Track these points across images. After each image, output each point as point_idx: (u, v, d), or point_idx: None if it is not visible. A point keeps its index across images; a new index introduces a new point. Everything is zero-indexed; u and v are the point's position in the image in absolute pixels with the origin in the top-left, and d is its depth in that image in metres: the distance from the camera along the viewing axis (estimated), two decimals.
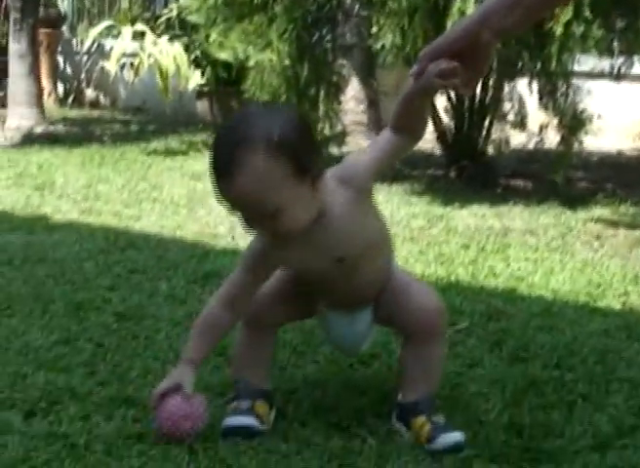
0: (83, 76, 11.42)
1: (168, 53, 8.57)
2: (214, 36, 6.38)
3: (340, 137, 6.43)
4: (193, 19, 7.35)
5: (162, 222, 4.54)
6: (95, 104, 10.97)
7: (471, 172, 5.88)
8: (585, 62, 5.84)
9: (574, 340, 2.85)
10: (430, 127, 6.23)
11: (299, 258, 2.08)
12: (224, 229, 4.36)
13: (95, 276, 3.44)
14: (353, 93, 6.86)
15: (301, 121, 2.06)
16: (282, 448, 2.05)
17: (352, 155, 2.36)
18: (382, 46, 5.21)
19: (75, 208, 4.85)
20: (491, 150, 6.09)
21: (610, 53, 5.62)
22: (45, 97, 9.27)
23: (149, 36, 9.03)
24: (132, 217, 4.63)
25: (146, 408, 2.25)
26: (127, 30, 9.26)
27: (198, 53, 8.66)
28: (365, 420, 2.21)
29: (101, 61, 10.44)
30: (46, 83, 10.04)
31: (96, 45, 10.62)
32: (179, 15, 9.20)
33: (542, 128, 5.80)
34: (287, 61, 5.87)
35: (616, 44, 5.62)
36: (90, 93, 11.27)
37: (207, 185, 5.59)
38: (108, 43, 10.27)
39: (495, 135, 6.04)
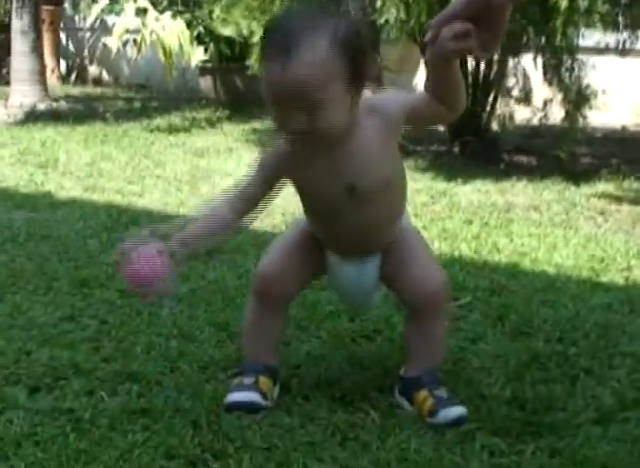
0: (86, 53, 11.39)
1: (170, 29, 8.52)
2: (217, 12, 6.36)
3: None
4: None
5: (165, 199, 4.54)
6: (97, 81, 10.95)
7: (475, 147, 5.87)
8: (590, 37, 5.81)
9: (576, 315, 2.85)
10: None
11: (312, 178, 2.05)
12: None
13: (98, 253, 3.45)
14: None
15: (365, 35, 2.02)
16: (285, 423, 2.06)
17: (388, 91, 2.29)
18: (387, 20, 5.17)
19: (78, 185, 4.86)
20: (495, 126, 6.06)
21: (615, 27, 5.58)
22: (48, 74, 9.25)
23: (152, 12, 8.98)
24: (135, 194, 4.63)
25: (150, 383, 2.27)
26: (129, 6, 9.21)
27: (201, 29, 8.62)
28: (368, 394, 2.22)
29: (104, 38, 10.41)
30: (49, 60, 10.01)
31: (98, 21, 10.58)
32: None
33: (547, 103, 5.77)
34: None
35: (621, 18, 5.58)
36: (93, 70, 11.25)
37: (210, 162, 5.65)
38: (111, 19, 10.23)
39: (499, 110, 6.01)
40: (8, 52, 8.57)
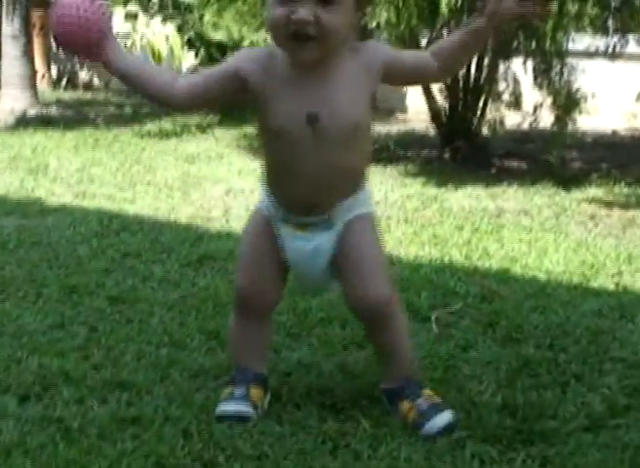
0: (76, 58, 11.37)
1: (160, 34, 8.53)
2: (207, 16, 6.36)
3: None
4: None
5: (156, 205, 4.53)
6: (88, 86, 10.94)
7: (466, 152, 5.88)
8: (580, 41, 5.83)
9: (567, 321, 2.85)
10: (425, 107, 6.22)
11: (275, 99, 2.03)
12: (218, 212, 4.36)
13: (88, 260, 3.44)
14: None
15: None
16: (276, 431, 2.06)
17: (375, 42, 2.45)
18: (377, 24, 5.18)
19: (69, 191, 4.85)
20: (485, 130, 6.07)
21: (605, 31, 5.60)
22: (38, 79, 9.24)
23: (142, 17, 9.00)
24: (126, 200, 4.62)
25: (140, 391, 2.26)
26: (119, 11, 9.22)
27: (192, 33, 8.63)
28: (359, 403, 2.22)
29: None
30: (39, 65, 9.99)
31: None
32: None
33: (537, 107, 5.79)
34: None
35: (610, 22, 5.60)
36: (83, 75, 11.23)
37: (201, 168, 5.65)
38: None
39: (489, 115, 6.03)
40: None
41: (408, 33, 5.12)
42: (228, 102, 2.04)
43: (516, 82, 5.98)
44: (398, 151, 6.24)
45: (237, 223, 3.85)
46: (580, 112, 5.58)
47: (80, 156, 5.99)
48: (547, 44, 5.25)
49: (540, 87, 5.73)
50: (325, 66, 2.00)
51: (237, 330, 2.26)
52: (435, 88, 6.08)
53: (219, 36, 6.64)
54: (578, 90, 5.60)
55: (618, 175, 5.53)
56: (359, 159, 2.13)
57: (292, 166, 2.07)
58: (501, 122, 6.03)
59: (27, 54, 8.18)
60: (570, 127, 5.66)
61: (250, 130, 7.24)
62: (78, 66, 11.31)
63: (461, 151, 5.89)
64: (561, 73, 5.65)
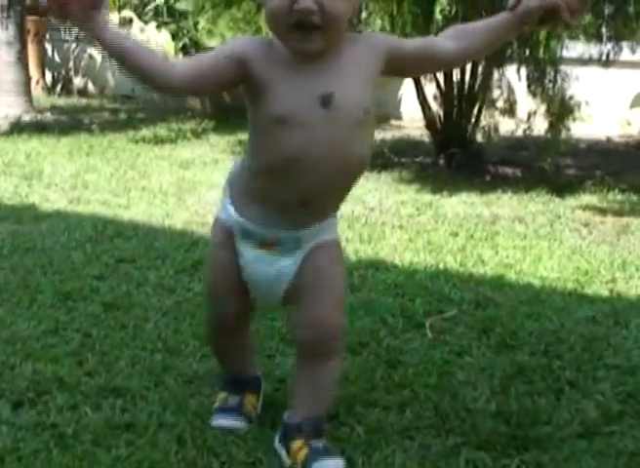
0: (71, 64, 11.36)
1: (155, 40, 8.53)
2: (202, 23, 6.35)
3: None
4: (181, 6, 7.35)
5: (151, 211, 4.53)
6: (83, 92, 10.91)
7: (460, 159, 5.89)
8: (574, 49, 5.85)
9: (561, 327, 2.86)
10: (419, 114, 6.23)
11: (282, 83, 1.89)
12: (213, 218, 4.34)
13: (83, 265, 3.43)
14: None
15: None
16: (270, 437, 2.06)
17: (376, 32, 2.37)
18: (372, 32, 5.19)
19: (63, 197, 4.84)
20: (480, 137, 6.08)
21: (598, 39, 5.62)
22: (33, 85, 9.21)
23: (136, 23, 9.00)
24: (120, 206, 4.61)
25: (135, 397, 2.26)
26: (114, 17, 9.21)
27: (187, 40, 8.63)
28: (353, 409, 2.22)
29: (89, 49, 10.39)
30: (34, 71, 9.97)
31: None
32: (166, 2, 9.18)
33: (531, 115, 5.81)
34: None
35: (604, 30, 5.62)
36: (78, 81, 11.21)
37: (196, 173, 5.64)
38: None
39: (484, 122, 6.04)
40: None
41: None
42: (222, 90, 1.87)
43: (510, 89, 5.99)
44: (393, 158, 6.24)
45: None
46: (574, 119, 5.60)
47: (74, 162, 5.98)
48: (541, 51, 5.27)
49: (534, 94, 5.74)
50: (328, 54, 1.89)
51: (216, 346, 2.25)
52: (430, 95, 6.09)
53: (213, 43, 6.62)
54: (571, 97, 5.62)
55: (611, 181, 5.54)
56: (367, 152, 1.99)
57: (298, 156, 1.89)
58: (496, 129, 6.04)
59: (22, 60, 8.16)
60: (564, 134, 5.67)
61: (244, 136, 7.24)
62: (73, 73, 11.31)
63: (456, 158, 5.90)
64: (555, 80, 5.67)
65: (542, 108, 5.72)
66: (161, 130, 7.65)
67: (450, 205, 4.89)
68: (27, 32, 9.08)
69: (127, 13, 9.39)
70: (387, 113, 8.47)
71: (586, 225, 4.51)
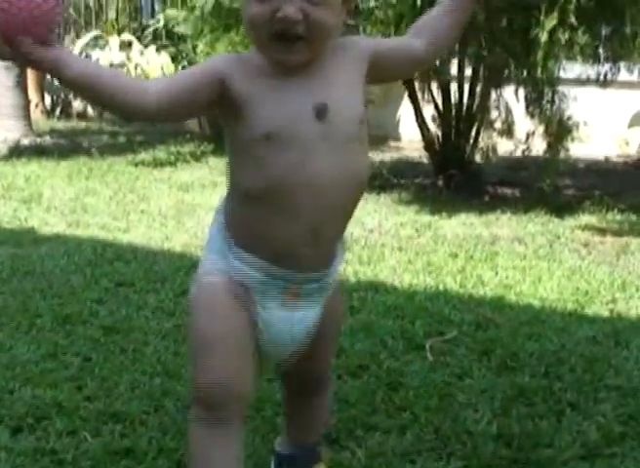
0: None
1: (155, 63, 8.56)
2: (201, 47, 6.39)
3: None
4: (180, 29, 7.38)
5: (150, 234, 4.53)
6: (82, 116, 10.95)
7: (459, 180, 5.89)
8: (571, 69, 5.87)
9: (562, 348, 2.85)
10: (418, 135, 6.25)
11: (268, 98, 1.66)
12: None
13: (82, 289, 3.43)
14: None
15: None
16: (271, 462, 2.04)
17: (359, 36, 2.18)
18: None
19: (63, 220, 4.84)
20: (478, 158, 6.09)
21: (596, 59, 5.63)
22: (32, 108, 9.25)
23: (136, 46, 9.04)
24: (119, 230, 4.61)
25: (134, 422, 2.25)
26: (114, 41, 9.26)
27: (186, 63, 8.66)
28: (354, 433, 2.21)
29: None
30: (33, 95, 10.01)
31: (83, 56, 10.60)
32: (165, 25, 9.22)
33: (529, 135, 5.82)
34: None
35: (601, 50, 5.64)
36: (77, 104, 11.24)
37: (195, 196, 5.65)
38: (95, 54, 10.26)
39: (482, 143, 6.05)
40: None
41: None
42: (200, 113, 1.66)
43: (508, 110, 6.01)
44: (392, 179, 6.25)
45: None
46: (573, 140, 5.60)
47: (74, 185, 5.99)
48: (539, 72, 5.28)
49: (532, 115, 5.75)
50: (313, 64, 1.69)
51: (202, 447, 1.69)
52: (428, 116, 6.11)
53: None
54: (569, 117, 5.63)
55: (610, 201, 5.54)
56: (367, 168, 1.77)
57: (296, 177, 1.64)
58: (494, 150, 6.05)
59: (20, 84, 8.19)
60: (562, 154, 5.68)
61: None
62: (72, 96, 11.34)
63: (455, 179, 5.91)
64: (553, 101, 5.68)
65: (541, 129, 5.73)
66: (160, 153, 7.67)
67: (449, 226, 4.89)
68: None
69: (126, 36, 9.43)
70: (386, 134, 8.50)
71: (586, 245, 4.50)
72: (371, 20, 5.28)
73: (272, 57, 1.67)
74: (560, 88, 5.67)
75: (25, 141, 7.95)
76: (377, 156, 7.40)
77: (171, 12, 8.40)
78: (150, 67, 8.58)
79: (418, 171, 6.61)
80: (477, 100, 5.97)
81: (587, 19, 5.02)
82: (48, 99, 11.27)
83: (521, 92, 5.76)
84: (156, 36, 9.47)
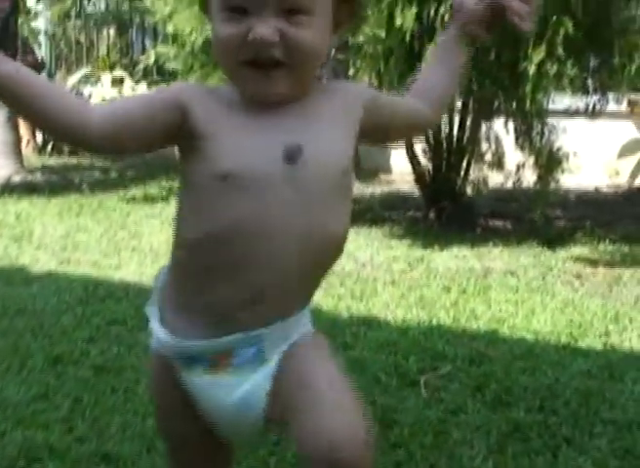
0: None
1: None
2: (192, 82, 6.41)
3: None
4: (171, 65, 7.41)
5: (141, 271, 4.51)
6: (74, 151, 10.94)
7: (450, 213, 5.90)
8: (561, 101, 5.90)
9: (556, 382, 2.84)
10: (409, 168, 6.27)
11: (233, 134, 1.41)
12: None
13: (73, 328, 3.41)
14: None
15: None
16: None
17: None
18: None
19: (54, 258, 4.82)
20: (469, 190, 6.11)
21: (584, 91, 5.67)
22: (23, 145, 9.26)
23: (128, 82, 9.08)
24: (111, 267, 4.60)
25: (126, 464, 2.22)
26: (106, 77, 9.31)
27: None
28: None
29: None
30: (24, 131, 10.03)
31: (74, 92, 10.64)
32: (156, 61, 9.28)
33: (519, 167, 5.84)
34: None
35: (590, 82, 5.68)
36: None
37: None
38: (87, 90, 10.30)
39: (473, 175, 6.07)
40: None
41: None
42: (153, 146, 1.41)
43: (498, 142, 6.04)
44: (383, 212, 6.26)
45: None
46: (563, 171, 5.63)
47: (65, 222, 5.98)
48: (528, 105, 5.32)
49: (522, 147, 5.78)
50: (295, 100, 1.44)
51: None
52: (418, 149, 6.13)
53: None
54: (559, 149, 5.66)
55: (602, 232, 5.55)
56: (344, 227, 1.49)
57: (249, 227, 1.39)
58: (485, 182, 6.06)
59: (12, 120, 8.21)
60: (553, 185, 5.70)
61: None
62: None
63: (446, 211, 5.91)
64: (542, 133, 5.71)
65: (531, 160, 5.75)
66: (152, 188, 7.67)
67: (441, 259, 4.88)
68: None
69: (118, 72, 9.48)
70: (377, 167, 8.52)
71: (578, 277, 4.51)
72: (360, 55, 5.32)
73: (246, 89, 1.42)
74: (549, 119, 5.70)
75: (16, 178, 7.95)
76: (368, 189, 7.42)
77: (162, 48, 8.44)
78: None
79: (409, 203, 6.63)
80: (467, 133, 5.99)
81: (575, 51, 5.07)
82: (39, 136, 11.29)
83: (511, 124, 5.80)
84: (147, 72, 9.52)
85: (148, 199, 7.10)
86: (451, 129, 6.00)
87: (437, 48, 1.64)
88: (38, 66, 11.40)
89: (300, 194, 1.40)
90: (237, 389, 1.45)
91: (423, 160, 6.15)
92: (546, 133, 5.74)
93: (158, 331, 1.51)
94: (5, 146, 8.16)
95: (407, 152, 6.12)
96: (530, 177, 5.83)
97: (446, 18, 4.80)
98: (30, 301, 3.79)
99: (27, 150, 10.04)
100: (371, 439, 1.41)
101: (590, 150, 7.20)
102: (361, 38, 5.21)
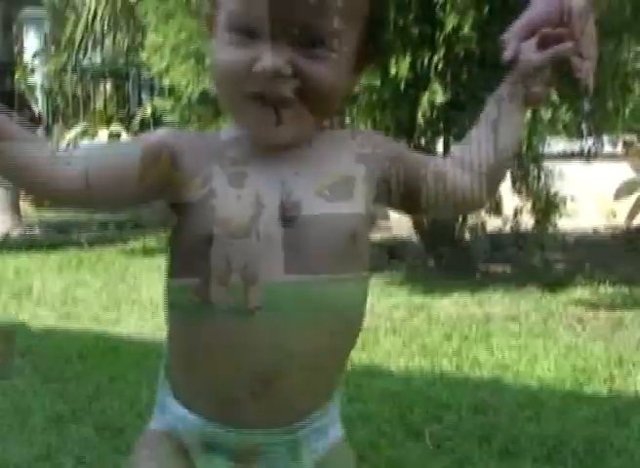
0: None
1: None
2: None
3: None
4: (168, 118, 7.46)
5: (141, 324, 4.49)
6: None
7: (450, 258, 5.90)
8: (556, 145, 5.95)
9: (562, 430, 2.82)
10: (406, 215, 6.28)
11: (229, 195, 1.16)
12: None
13: (74, 385, 3.38)
14: None
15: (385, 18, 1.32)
16: None
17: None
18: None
19: (53, 313, 4.81)
20: (468, 236, 6.12)
21: (579, 135, 5.72)
22: (22, 199, 9.28)
23: (125, 136, 9.13)
24: (111, 321, 4.58)
25: None
26: (103, 133, 9.37)
27: None
28: None
29: None
30: None
31: (72, 147, 10.69)
32: (153, 113, 9.35)
33: (517, 212, 5.86)
34: None
35: (584, 126, 5.73)
36: None
37: None
38: (84, 144, 10.35)
39: (471, 220, 6.08)
40: None
41: None
42: (135, 200, 1.15)
43: None
44: (382, 259, 6.25)
45: None
46: (560, 215, 5.65)
47: (64, 277, 5.97)
48: (524, 149, 5.35)
49: (520, 191, 5.81)
50: (300, 145, 1.20)
51: None
52: None
53: None
54: (556, 193, 5.69)
55: (601, 275, 5.54)
56: (360, 297, 1.28)
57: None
58: (483, 227, 6.08)
59: None
60: (550, 229, 5.72)
61: None
62: None
63: (446, 257, 5.92)
64: (539, 177, 5.75)
65: (528, 205, 5.78)
66: (150, 241, 7.67)
67: (442, 306, 4.87)
68: None
69: (115, 127, 9.54)
70: (375, 214, 8.53)
71: (580, 321, 4.49)
72: (356, 104, 5.36)
73: (248, 128, 1.20)
74: (545, 163, 5.74)
75: (15, 233, 7.95)
76: None
77: (158, 101, 8.51)
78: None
79: (408, 250, 6.63)
80: None
81: (569, 96, 5.11)
82: None
83: None
84: (144, 125, 9.58)
85: (147, 251, 7.10)
86: None
87: (489, 110, 1.29)
88: (35, 121, 11.48)
89: (299, 260, 1.16)
90: None
91: None
92: (543, 177, 5.78)
93: (174, 407, 1.26)
94: (3, 201, 8.18)
95: None
96: (527, 222, 5.85)
97: (439, 66, 4.86)
98: (29, 359, 3.77)
99: (26, 204, 10.06)
100: None
101: (587, 192, 7.22)
102: (356, 88, 5.25)
